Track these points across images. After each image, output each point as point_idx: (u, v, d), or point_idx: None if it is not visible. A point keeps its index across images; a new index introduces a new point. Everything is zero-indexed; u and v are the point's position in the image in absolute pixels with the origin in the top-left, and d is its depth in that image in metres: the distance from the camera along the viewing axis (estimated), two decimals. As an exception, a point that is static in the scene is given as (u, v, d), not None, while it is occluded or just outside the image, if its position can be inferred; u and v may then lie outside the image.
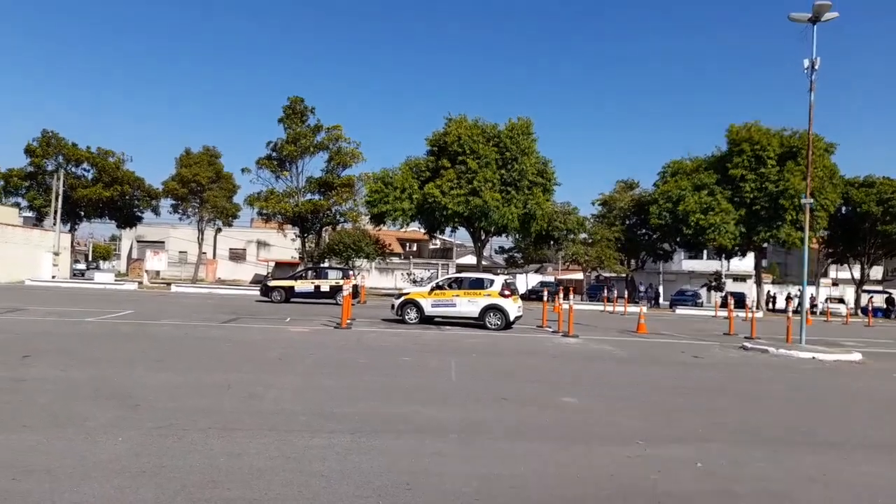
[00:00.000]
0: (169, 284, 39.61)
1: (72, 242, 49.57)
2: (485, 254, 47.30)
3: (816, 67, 16.38)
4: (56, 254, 41.67)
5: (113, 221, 51.38)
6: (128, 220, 50.57)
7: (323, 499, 4.22)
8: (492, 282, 18.91)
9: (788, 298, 40.26)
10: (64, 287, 34.40)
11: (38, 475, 4.45)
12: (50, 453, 4.96)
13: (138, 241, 62.11)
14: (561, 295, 21.75)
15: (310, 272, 30.64)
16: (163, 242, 59.65)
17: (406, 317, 18.76)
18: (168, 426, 5.87)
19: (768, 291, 50.87)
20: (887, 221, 42.16)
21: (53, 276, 40.17)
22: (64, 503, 3.98)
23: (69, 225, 48.47)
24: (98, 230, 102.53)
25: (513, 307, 18.43)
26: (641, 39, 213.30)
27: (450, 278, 20.16)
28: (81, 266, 63.33)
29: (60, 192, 43.27)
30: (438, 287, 19.20)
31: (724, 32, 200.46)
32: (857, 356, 15.06)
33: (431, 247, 72.01)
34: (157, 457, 4.96)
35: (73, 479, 4.39)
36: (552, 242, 47.07)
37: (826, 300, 45.35)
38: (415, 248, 74.49)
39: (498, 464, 5.18)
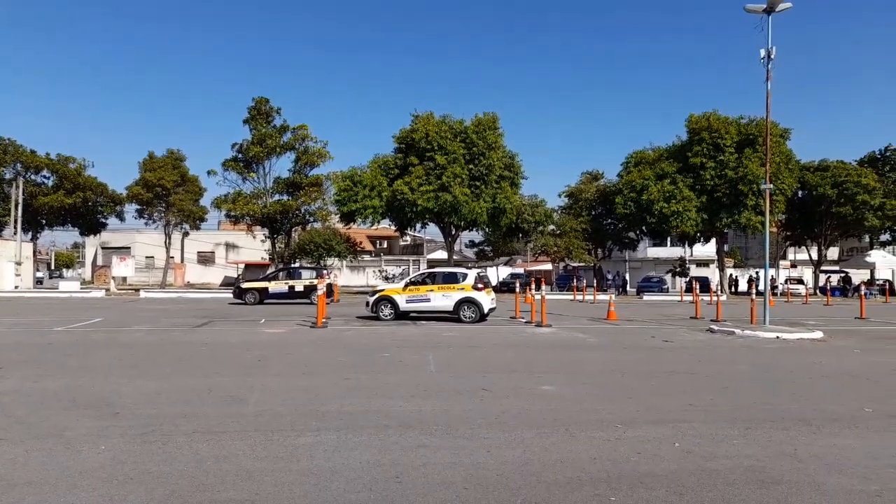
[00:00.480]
0: (137, 290, 38.86)
1: (34, 251, 48.18)
2: (455, 248, 47.44)
3: (772, 57, 16.82)
4: (18, 263, 40.53)
5: (76, 228, 50.08)
6: (91, 226, 49.35)
7: (315, 496, 4.28)
8: (465, 276, 19.07)
9: (751, 281, 41.40)
10: (28, 297, 33.49)
11: (21, 488, 4.42)
12: (31, 465, 4.91)
13: (103, 248, 60.59)
14: (533, 286, 21.99)
15: (283, 273, 30.42)
16: (129, 248, 58.29)
17: (381, 313, 18.81)
18: (151, 432, 5.85)
19: (730, 275, 52.12)
20: (841, 203, 43.53)
21: (16, 287, 39.08)
22: (52, 514, 3.97)
23: (30, 234, 47.14)
24: (60, 238, 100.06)
25: (486, 300, 18.63)
26: (604, 33, 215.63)
27: (423, 274, 20.26)
28: (40, 274, 61.65)
29: (20, 200, 42.05)
30: (412, 283, 19.28)
31: (683, 25, 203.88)
32: (818, 334, 15.59)
33: (402, 243, 71.94)
34: (143, 463, 4.96)
35: (58, 490, 4.36)
36: (521, 235, 47.48)
37: (786, 281, 46.68)
38: (385, 246, 74.32)
39: (482, 453, 5.30)
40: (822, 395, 8.15)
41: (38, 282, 51.90)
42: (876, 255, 47.57)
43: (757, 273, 50.97)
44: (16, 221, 41.94)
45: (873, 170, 45.83)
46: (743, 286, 51.87)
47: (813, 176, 44.49)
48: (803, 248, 52.71)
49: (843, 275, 48.96)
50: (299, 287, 28.18)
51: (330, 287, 28.21)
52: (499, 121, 40.90)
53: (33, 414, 6.59)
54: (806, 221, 47.78)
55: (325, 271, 29.96)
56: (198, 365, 10.14)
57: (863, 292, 25.40)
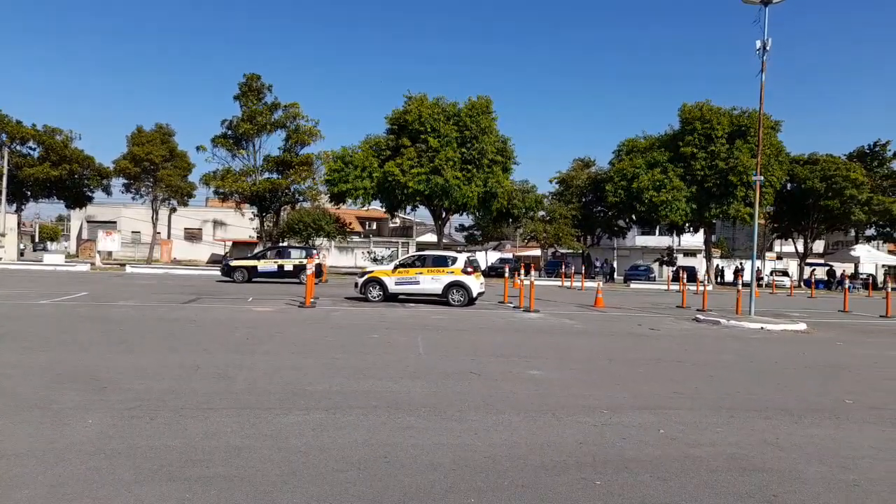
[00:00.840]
0: (123, 265, 38.60)
1: (18, 223, 47.57)
2: (445, 232, 47.38)
3: (768, 49, 16.85)
4: (2, 235, 40.09)
5: (61, 201, 49.40)
6: (77, 199, 48.66)
7: (303, 473, 4.30)
8: (455, 259, 19.09)
9: (737, 272, 41.73)
10: (12, 269, 33.11)
11: (7, 459, 4.41)
12: (17, 437, 4.90)
13: (88, 222, 60.04)
14: (522, 271, 22.07)
15: (273, 251, 30.30)
16: (115, 222, 57.85)
17: (370, 295, 18.82)
18: (138, 407, 5.85)
19: (717, 265, 52.54)
20: (829, 197, 43.87)
21: (0, 258, 38.69)
22: (39, 485, 3.95)
23: (15, 205, 46.52)
24: (45, 210, 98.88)
25: (475, 284, 18.68)
26: (599, 20, 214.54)
27: (413, 256, 20.24)
28: (22, 246, 61.03)
29: (5, 171, 41.46)
30: (402, 265, 19.28)
31: (678, 15, 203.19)
32: (802, 326, 15.79)
33: (391, 225, 71.74)
34: (131, 438, 4.96)
35: (45, 462, 4.36)
36: (511, 220, 47.53)
37: (771, 273, 47.15)
38: (374, 227, 74.11)
39: (471, 435, 5.34)
40: (805, 386, 8.28)
41: (21, 253, 51.34)
42: (861, 250, 48.09)
43: (742, 264, 51.42)
44: (0, 193, 41.38)
45: (861, 165, 46.21)
46: (729, 277, 52.33)
47: (802, 169, 44.78)
48: (790, 240, 53.18)
49: (827, 268, 49.53)
50: (288, 266, 28.11)
51: (319, 267, 28.15)
52: (492, 105, 40.76)
53: (19, 386, 6.55)
54: (794, 214, 48.17)
55: (314, 251, 29.86)
56: (185, 342, 10.11)
57: (846, 286, 25.71)
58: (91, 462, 4.38)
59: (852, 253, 48.17)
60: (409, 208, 44.82)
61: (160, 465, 4.36)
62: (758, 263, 20.40)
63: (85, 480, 4.05)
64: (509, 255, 60.91)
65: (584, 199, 49.69)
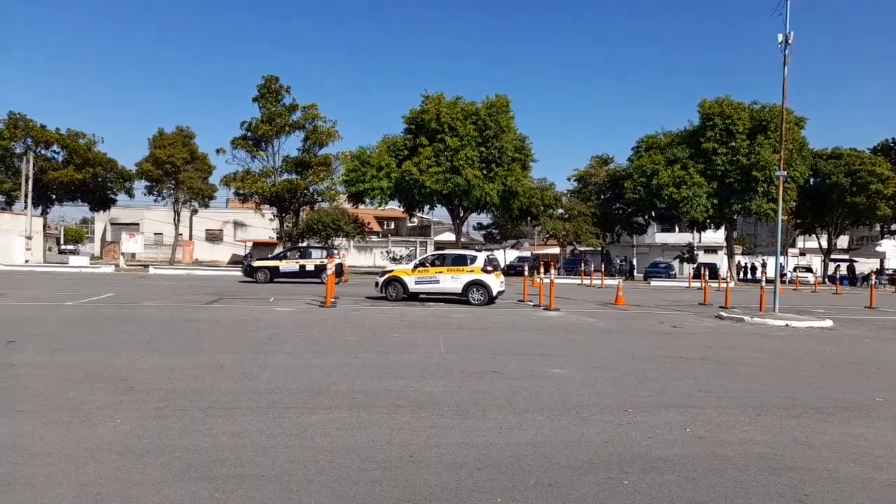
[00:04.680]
0: (146, 266, 39.14)
1: (44, 226, 48.47)
2: (462, 230, 47.36)
3: (790, 42, 16.62)
4: (28, 238, 40.87)
5: (85, 204, 50.29)
6: (101, 202, 49.54)
7: (330, 472, 4.32)
8: (474, 258, 19.07)
9: (754, 268, 41.02)
10: (39, 271, 33.77)
11: (40, 459, 4.48)
12: (49, 437, 4.97)
13: (112, 224, 60.97)
14: (541, 269, 21.99)
15: (294, 252, 30.54)
16: (137, 224, 58.67)
17: (390, 294, 18.87)
18: (166, 407, 5.91)
19: (739, 262, 51.87)
20: (854, 193, 43.08)
21: (27, 261, 39.43)
22: (71, 485, 4.01)
23: (40, 208, 47.40)
24: (69, 213, 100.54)
25: (495, 283, 18.64)
26: (619, 16, 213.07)
27: (433, 255, 20.25)
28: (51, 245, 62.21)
29: (31, 175, 42.25)
30: (422, 264, 19.30)
31: (696, 9, 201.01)
32: (828, 323, 15.54)
33: (409, 224, 71.88)
34: (159, 437, 5.01)
35: (76, 462, 4.42)
36: (530, 218, 47.38)
37: (794, 269, 46.49)
38: (393, 226, 74.30)
39: (495, 434, 5.33)
40: (833, 384, 8.14)
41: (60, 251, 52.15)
42: (887, 245, 47.27)
43: (764, 261, 50.79)
44: (26, 196, 42.19)
45: (886, 159, 45.34)
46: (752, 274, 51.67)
47: (826, 164, 44.07)
48: (813, 236, 52.34)
49: (848, 263, 48.71)
50: (310, 266, 28.33)
51: (340, 267, 28.31)
52: (510, 103, 40.63)
53: (50, 387, 6.66)
54: (817, 209, 47.41)
55: (335, 251, 30.03)
56: (210, 341, 10.22)
57: (873, 282, 25.27)
58: (121, 462, 4.44)
59: (878, 248, 47.35)
60: (426, 208, 44.87)
61: (189, 465, 4.40)
62: (781, 259, 20.10)
63: (115, 480, 4.10)
64: (528, 254, 60.74)
65: (602, 197, 49.37)
